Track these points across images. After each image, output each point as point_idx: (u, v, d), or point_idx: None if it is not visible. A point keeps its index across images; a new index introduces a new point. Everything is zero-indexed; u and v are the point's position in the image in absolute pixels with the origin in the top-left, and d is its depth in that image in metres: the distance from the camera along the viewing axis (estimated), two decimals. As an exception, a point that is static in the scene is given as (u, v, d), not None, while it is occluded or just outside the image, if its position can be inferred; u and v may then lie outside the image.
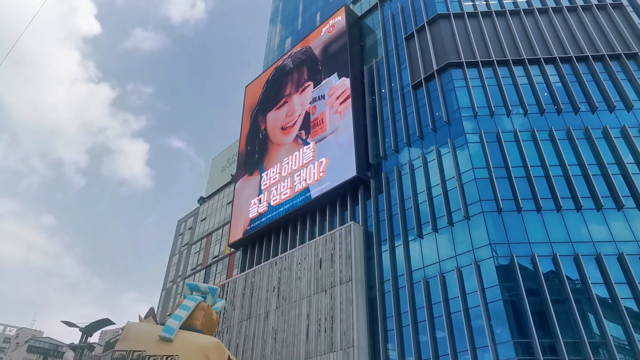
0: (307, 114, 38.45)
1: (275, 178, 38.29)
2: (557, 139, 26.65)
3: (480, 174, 25.90)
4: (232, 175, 49.68)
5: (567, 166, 25.42)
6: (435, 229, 26.30)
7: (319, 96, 38.35)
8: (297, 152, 37.33)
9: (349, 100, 34.73)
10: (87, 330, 15.84)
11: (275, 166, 38.98)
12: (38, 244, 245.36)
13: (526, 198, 24.65)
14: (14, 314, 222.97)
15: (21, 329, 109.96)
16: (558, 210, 24.09)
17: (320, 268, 29.40)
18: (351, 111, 34.10)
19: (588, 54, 30.26)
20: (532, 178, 25.20)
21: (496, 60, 30.84)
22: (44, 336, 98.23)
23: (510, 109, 28.39)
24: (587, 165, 25.30)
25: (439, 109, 30.13)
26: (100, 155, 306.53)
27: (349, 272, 27.52)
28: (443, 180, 27.32)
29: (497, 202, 24.50)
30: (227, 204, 48.38)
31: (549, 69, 30.16)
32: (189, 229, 56.36)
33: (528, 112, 28.23)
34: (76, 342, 15.94)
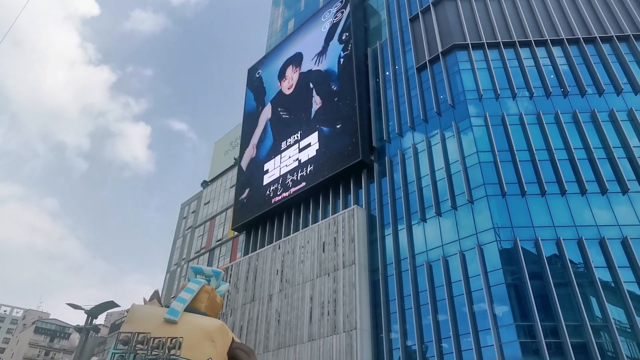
0: (310, 95, 38.21)
1: (280, 160, 38.24)
2: (562, 122, 26.38)
3: (484, 158, 25.74)
4: (235, 158, 49.61)
5: (573, 150, 25.21)
6: (439, 213, 26.25)
7: (323, 77, 38.03)
8: (301, 133, 37.21)
9: (353, 82, 34.45)
10: (93, 313, 15.94)
11: (279, 148, 38.91)
12: (42, 227, 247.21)
13: (530, 182, 24.52)
14: (20, 296, 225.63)
15: (28, 310, 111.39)
16: (562, 194, 23.97)
17: (324, 251, 29.50)
18: (355, 94, 33.82)
19: (596, 35, 29.77)
20: (537, 162, 25.03)
21: (502, 42, 30.38)
22: (50, 318, 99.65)
23: (516, 91, 28.07)
24: (592, 149, 25.09)
25: (444, 91, 29.82)
26: (102, 139, 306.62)
27: (352, 255, 27.60)
28: (447, 164, 27.17)
29: (502, 185, 24.39)
30: (230, 187, 48.42)
31: (556, 51, 29.71)
32: (193, 212, 56.55)
33: (534, 94, 27.90)
34: (82, 324, 16.08)
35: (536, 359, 19.87)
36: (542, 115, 26.79)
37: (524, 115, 26.95)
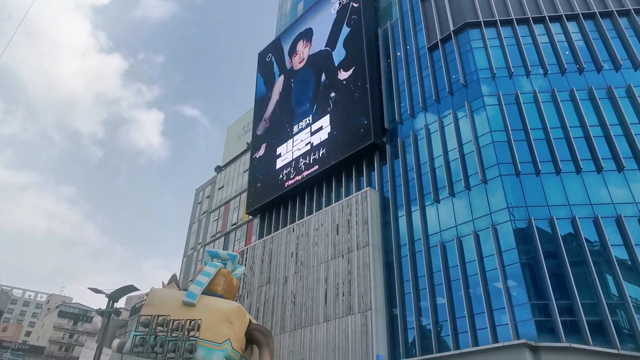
0: (321, 78, 38.04)
1: (292, 143, 38.33)
2: (578, 99, 25.92)
3: (498, 137, 25.49)
4: (247, 143, 49.82)
5: (588, 127, 24.82)
6: (452, 194, 26.19)
7: (335, 59, 37.76)
8: (312, 116, 37.18)
9: (365, 67, 34.18)
10: (113, 296, 16.40)
11: (291, 131, 38.95)
12: (61, 214, 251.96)
13: (545, 160, 24.27)
14: (43, 282, 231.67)
15: (51, 295, 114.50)
16: (578, 172, 23.70)
17: (337, 234, 29.71)
18: (367, 76, 33.57)
19: (613, 8, 28.98)
20: (552, 140, 24.72)
21: (515, 19, 29.77)
22: (73, 302, 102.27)
23: (530, 69, 27.59)
24: (609, 126, 24.66)
25: (456, 71, 29.44)
26: (116, 126, 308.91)
27: (365, 237, 27.76)
28: (460, 144, 26.98)
29: (515, 165, 24.19)
30: (244, 172, 48.74)
31: (571, 26, 29.04)
32: (207, 197, 57.14)
33: (548, 72, 27.41)
34: (103, 307, 16.58)
35: (552, 337, 19.95)
36: (556, 93, 26.35)
37: (538, 93, 26.53)
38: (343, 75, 35.72)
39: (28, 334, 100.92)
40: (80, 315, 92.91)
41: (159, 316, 19.21)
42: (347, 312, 26.38)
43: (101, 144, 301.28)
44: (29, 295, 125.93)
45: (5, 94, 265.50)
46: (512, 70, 27.62)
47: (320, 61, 39.33)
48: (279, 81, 43.71)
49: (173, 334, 18.63)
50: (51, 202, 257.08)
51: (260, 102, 45.79)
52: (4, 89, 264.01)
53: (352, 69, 35.08)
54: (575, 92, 26.19)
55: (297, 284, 30.74)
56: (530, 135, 25.10)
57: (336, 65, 37.11)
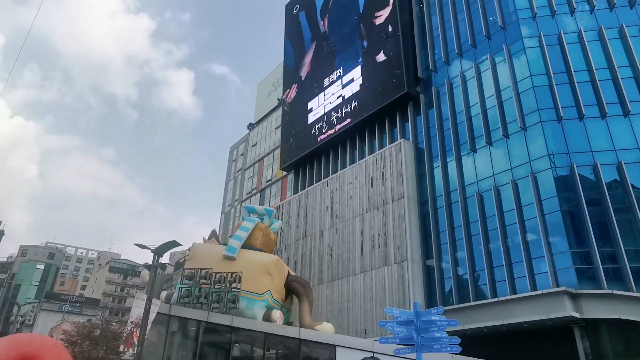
0: (357, 25, 36.87)
1: (323, 97, 37.86)
2: (628, 36, 24.16)
3: (538, 82, 24.30)
4: (278, 99, 49.58)
5: (638, 66, 23.25)
6: (490, 142, 25.47)
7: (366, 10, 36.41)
8: (343, 68, 36.40)
9: (396, 12, 32.79)
10: (158, 251, 17.16)
11: (322, 85, 38.38)
12: (103, 176, 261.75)
13: (590, 104, 23.08)
14: (91, 240, 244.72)
15: (101, 252, 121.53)
16: (625, 115, 22.46)
17: (372, 187, 29.68)
18: (399, 23, 32.29)
19: None
20: (597, 82, 23.37)
21: (559, -49, 27.53)
22: (121, 258, 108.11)
23: (575, 6, 25.77)
24: (661, 64, 23.02)
25: (494, 12, 27.86)
26: (149, 88, 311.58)
27: (400, 189, 27.63)
28: (498, 91, 25.93)
29: (557, 110, 23.13)
30: (276, 128, 48.81)
31: (622, -45, 26.67)
32: (241, 154, 57.85)
33: (595, 7, 25.54)
34: (149, 262, 17.40)
35: (592, 285, 19.70)
36: (604, 31, 24.63)
37: (583, 32, 24.88)
38: (380, 18, 34.26)
39: (83, 287, 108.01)
40: (129, 270, 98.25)
41: (201, 269, 20.11)
42: (383, 263, 26.74)
43: (135, 106, 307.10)
44: (81, 253, 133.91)
45: (42, 60, 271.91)
46: (555, 9, 25.90)
47: (354, 13, 37.96)
48: (312, 47, 42.17)
49: (216, 286, 19.53)
50: (93, 164, 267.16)
51: (289, 74, 44.53)
52: (39, 55, 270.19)
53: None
54: (625, 28, 24.39)
55: (333, 237, 31.23)
56: (574, 77, 23.79)
57: (373, 13, 35.71)
